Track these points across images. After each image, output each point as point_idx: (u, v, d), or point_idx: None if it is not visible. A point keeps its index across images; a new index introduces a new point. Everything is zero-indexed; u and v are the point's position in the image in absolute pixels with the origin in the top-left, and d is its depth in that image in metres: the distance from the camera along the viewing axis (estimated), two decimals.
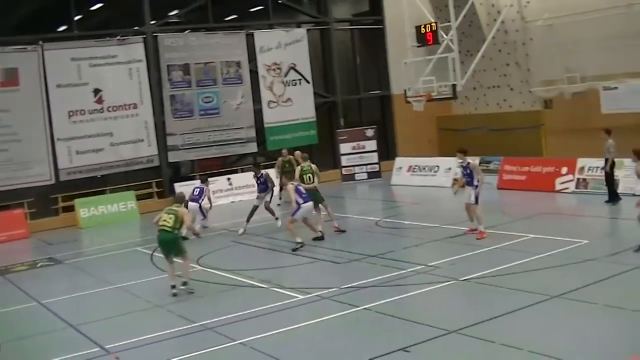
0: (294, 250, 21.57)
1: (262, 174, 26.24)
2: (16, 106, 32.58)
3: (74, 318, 16.69)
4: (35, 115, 32.99)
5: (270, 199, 26.35)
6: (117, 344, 14.36)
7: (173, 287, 17.57)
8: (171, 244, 17.76)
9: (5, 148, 32.43)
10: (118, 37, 35.19)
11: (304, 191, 22.41)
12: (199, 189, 26.46)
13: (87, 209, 32.95)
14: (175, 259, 17.92)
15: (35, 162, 32.95)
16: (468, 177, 21.46)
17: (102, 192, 34.57)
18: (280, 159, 32.18)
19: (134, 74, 35.04)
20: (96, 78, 34.28)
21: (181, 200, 19.39)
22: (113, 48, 34.93)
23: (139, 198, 34.27)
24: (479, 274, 16.89)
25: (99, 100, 34.28)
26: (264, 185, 26.02)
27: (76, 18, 35.45)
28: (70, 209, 33.36)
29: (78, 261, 24.63)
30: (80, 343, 14.81)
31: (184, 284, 17.81)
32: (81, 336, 15.26)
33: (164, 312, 16.66)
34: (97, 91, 34.24)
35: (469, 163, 21.41)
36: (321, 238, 22.68)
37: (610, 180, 25.17)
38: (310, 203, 22.44)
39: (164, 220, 17.63)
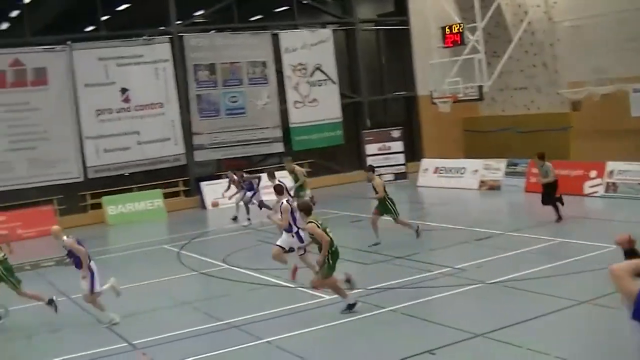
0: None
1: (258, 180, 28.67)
2: (45, 105, 33.08)
3: (102, 314, 16.77)
4: (64, 114, 33.40)
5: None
6: (143, 340, 14.54)
7: None
8: None
9: (34, 146, 32.93)
10: (144, 37, 35.40)
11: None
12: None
13: (114, 207, 33.17)
14: None
15: (64, 160, 33.43)
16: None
17: (130, 190, 34.74)
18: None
19: (160, 74, 35.25)
20: (123, 77, 34.58)
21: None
22: (139, 48, 35.18)
23: (166, 196, 34.40)
24: (506, 277, 16.78)
25: (126, 100, 34.52)
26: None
27: (103, 18, 35.74)
28: (98, 206, 33.60)
29: (105, 258, 24.74)
30: (107, 338, 14.97)
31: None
32: (109, 331, 15.38)
33: (190, 309, 16.75)
34: (124, 90, 34.51)
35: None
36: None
37: None
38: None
39: None
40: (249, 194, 28.50)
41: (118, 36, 35.55)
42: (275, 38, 38.06)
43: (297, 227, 17.74)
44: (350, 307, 15.05)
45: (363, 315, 14.93)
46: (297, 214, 17.08)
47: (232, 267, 20.52)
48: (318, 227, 15.01)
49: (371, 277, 18.17)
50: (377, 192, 21.70)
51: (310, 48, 38.63)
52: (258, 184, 28.83)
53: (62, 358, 14.02)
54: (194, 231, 28.07)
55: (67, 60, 33.63)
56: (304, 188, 26.19)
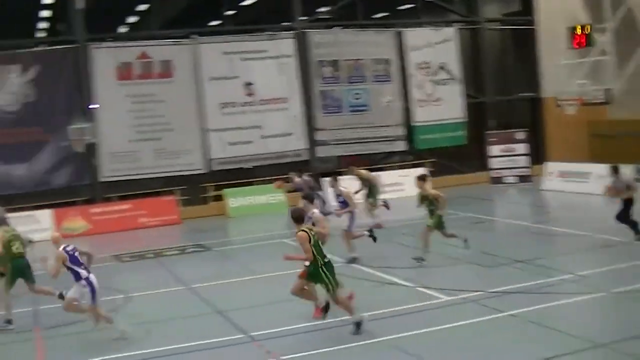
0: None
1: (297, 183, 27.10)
2: (170, 97, 33.77)
3: (221, 304, 17.00)
4: (188, 106, 33.99)
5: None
6: (261, 332, 14.65)
7: None
8: None
9: (159, 137, 33.66)
10: (269, 33, 35.71)
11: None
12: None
13: (235, 199, 33.59)
14: None
15: (188, 151, 34.09)
16: None
17: (251, 184, 35.12)
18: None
19: (284, 69, 35.51)
20: (247, 72, 34.98)
21: None
22: (264, 43, 35.51)
23: (287, 191, 34.57)
24: (632, 287, 16.18)
25: (250, 94, 34.86)
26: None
27: (229, 13, 36.19)
28: (220, 198, 34.08)
29: (226, 249, 25.14)
30: (225, 329, 15.17)
31: None
32: (227, 322, 15.55)
33: (308, 304, 16.75)
34: (248, 84, 34.83)
35: None
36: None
37: None
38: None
39: None
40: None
41: (243, 31, 36.07)
42: (399, 36, 37.79)
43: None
44: (326, 309, 14.66)
45: (482, 319, 14.72)
46: None
47: (353, 264, 20.49)
48: (310, 239, 14.20)
49: (491, 280, 17.93)
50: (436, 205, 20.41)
51: (435, 47, 38.29)
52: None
53: (179, 345, 14.23)
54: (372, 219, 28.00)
55: (193, 53, 34.22)
56: (374, 193, 26.04)
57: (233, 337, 14.51)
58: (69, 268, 14.89)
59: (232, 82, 34.78)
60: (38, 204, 32.15)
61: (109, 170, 33.36)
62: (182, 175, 34.28)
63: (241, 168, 35.28)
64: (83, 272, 14.73)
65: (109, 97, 33.30)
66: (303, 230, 14.22)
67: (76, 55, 33.20)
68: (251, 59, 35.22)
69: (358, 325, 14.09)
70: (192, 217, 32.60)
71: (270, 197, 33.89)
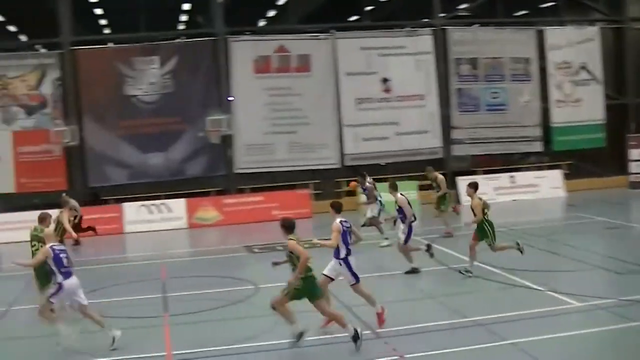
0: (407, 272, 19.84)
1: (366, 186, 25.69)
2: (307, 91, 34.12)
3: (348, 299, 16.88)
4: (325, 101, 34.22)
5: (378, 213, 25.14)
6: (387, 330, 14.50)
7: None
8: None
9: (295, 130, 33.98)
10: (407, 29, 35.47)
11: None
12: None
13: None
14: None
15: (323, 146, 34.37)
16: None
17: (385, 180, 34.89)
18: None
19: (422, 66, 35.29)
20: (384, 68, 34.95)
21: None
22: (402, 39, 35.39)
23: (420, 188, 34.31)
24: None
25: (387, 90, 34.78)
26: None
27: (367, 8, 36.12)
28: (353, 193, 34.02)
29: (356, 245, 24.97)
30: (352, 324, 14.94)
31: None
32: (353, 317, 15.40)
33: (436, 303, 16.59)
34: (384, 80, 34.76)
35: None
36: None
37: None
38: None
39: None
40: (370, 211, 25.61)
41: (381, 27, 36.03)
42: (540, 34, 37.07)
43: (348, 249, 14.98)
44: (299, 337, 13.78)
45: (612, 327, 14.22)
46: (350, 237, 14.95)
47: (482, 265, 20.10)
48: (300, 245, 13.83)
49: (625, 288, 17.34)
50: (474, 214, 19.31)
51: (576, 46, 37.36)
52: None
53: (308, 339, 14.03)
54: (445, 225, 27.77)
55: (330, 48, 34.37)
56: (446, 199, 25.43)
57: None
58: (50, 267, 14.73)
59: (369, 78, 34.79)
60: (172, 192, 32.80)
61: (244, 162, 33.87)
62: (316, 170, 34.41)
63: (375, 164, 35.16)
64: (59, 277, 14.50)
65: (245, 89, 33.83)
66: (291, 239, 14.01)
67: (215, 48, 33.82)
68: (389, 55, 35.18)
69: (355, 339, 13.56)
70: (324, 212, 32.54)
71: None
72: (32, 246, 17.04)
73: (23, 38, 42.14)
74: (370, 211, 25.26)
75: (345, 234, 14.82)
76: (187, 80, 33.71)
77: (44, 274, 15.71)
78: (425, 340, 13.90)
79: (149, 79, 33.57)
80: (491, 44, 36.34)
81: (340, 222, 14.83)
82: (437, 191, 26.17)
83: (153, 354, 13.97)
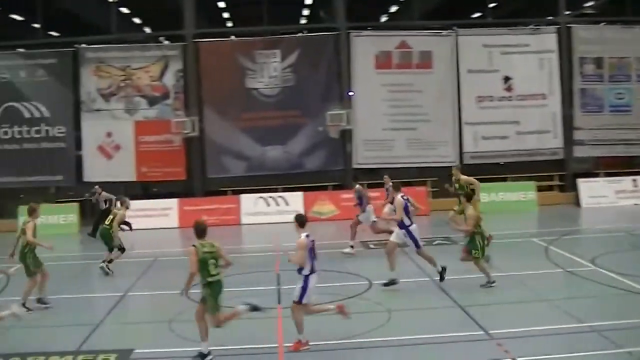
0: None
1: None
2: (428, 88, 34.00)
3: (462, 298, 16.77)
4: (445, 98, 34.08)
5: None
6: (500, 331, 14.29)
7: None
8: None
9: (414, 127, 33.93)
10: (531, 27, 34.97)
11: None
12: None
13: (486, 194, 33.02)
14: None
15: (442, 143, 34.24)
16: None
17: (503, 180, 34.56)
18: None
19: (545, 65, 34.69)
20: (506, 66, 34.49)
21: None
22: (525, 37, 34.88)
23: (538, 189, 33.79)
24: None
25: (508, 89, 34.37)
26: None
27: (491, 5, 35.74)
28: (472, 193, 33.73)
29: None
30: (464, 324, 15.01)
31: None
32: (467, 317, 15.36)
33: (551, 306, 16.26)
34: (506, 79, 34.34)
35: None
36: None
37: None
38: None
39: None
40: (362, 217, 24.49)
41: (504, 24, 35.55)
42: None
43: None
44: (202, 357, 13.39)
45: None
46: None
47: (601, 270, 19.65)
48: (197, 254, 13.36)
49: None
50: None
51: None
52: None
53: (415, 336, 14.16)
54: (565, 228, 27.30)
55: (452, 45, 34.09)
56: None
57: (471, 333, 14.31)
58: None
59: (491, 76, 34.42)
60: (290, 185, 33.08)
61: (362, 157, 33.98)
62: (434, 167, 34.23)
63: (494, 163, 34.78)
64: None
65: (366, 85, 33.89)
66: (193, 246, 13.52)
67: (336, 43, 33.97)
68: (511, 52, 34.66)
69: (202, 356, 13.33)
70: (441, 209, 32.41)
71: (522, 195, 33.22)
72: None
73: (147, 30, 42.99)
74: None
75: (312, 250, 14.11)
76: (308, 74, 33.98)
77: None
78: (539, 344, 13.65)
79: (270, 72, 33.95)
80: (617, 43, 35.37)
81: (306, 236, 14.09)
82: (455, 191, 25.10)
83: (265, 345, 14.11)
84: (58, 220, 31.00)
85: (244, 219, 31.97)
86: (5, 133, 34.26)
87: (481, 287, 17.97)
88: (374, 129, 34.02)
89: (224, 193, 34.47)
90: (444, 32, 34.37)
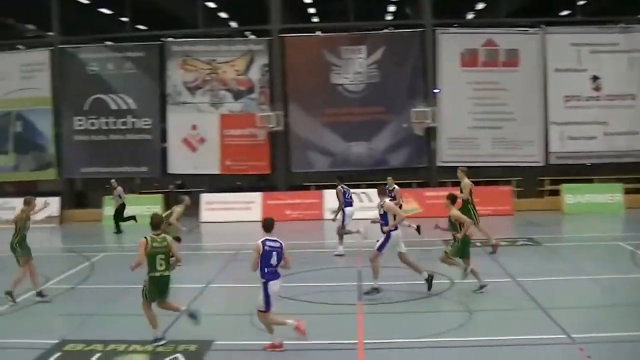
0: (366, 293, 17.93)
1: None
2: (514, 86, 33.62)
3: (544, 301, 16.54)
4: (531, 97, 33.66)
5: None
6: (583, 336, 13.91)
7: None
8: None
9: (500, 125, 33.62)
10: (621, 25, 34.33)
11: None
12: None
13: (573, 196, 32.71)
14: None
15: (528, 143, 33.83)
16: None
17: (590, 181, 34.07)
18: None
19: (635, 64, 33.97)
20: (595, 65, 33.90)
21: None
22: (615, 36, 34.20)
23: (626, 192, 33.19)
24: None
25: (597, 88, 33.77)
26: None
27: (580, 3, 35.23)
28: (556, 192, 33.36)
29: (556, 246, 24.53)
30: (546, 326, 14.68)
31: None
32: (549, 320, 15.08)
33: (629, 311, 15.87)
34: (595, 78, 33.76)
35: None
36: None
37: None
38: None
39: None
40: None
41: (594, 22, 34.98)
42: None
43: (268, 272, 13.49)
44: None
45: None
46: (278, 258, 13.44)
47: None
48: (146, 246, 13.48)
49: None
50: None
51: None
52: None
53: (495, 337, 13.97)
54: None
55: (540, 43, 33.64)
56: (469, 210, 23.60)
57: (552, 336, 14.00)
58: None
59: (579, 75, 33.86)
60: (374, 182, 33.00)
61: (447, 155, 33.83)
62: (519, 167, 33.89)
63: (581, 164, 34.27)
64: None
65: (451, 82, 33.78)
66: (144, 237, 13.74)
67: (422, 40, 33.87)
68: (600, 51, 34.02)
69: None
70: (525, 210, 32.15)
71: (608, 196, 32.70)
72: None
73: (233, 24, 43.33)
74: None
75: (270, 253, 13.38)
76: (393, 70, 33.92)
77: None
78: (621, 350, 13.40)
79: (355, 68, 34.02)
80: None
81: (263, 241, 13.43)
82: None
83: (344, 341, 14.06)
84: (142, 210, 31.44)
85: (327, 215, 32.06)
86: (93, 124, 34.98)
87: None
88: (459, 127, 33.82)
89: (307, 188, 34.60)
90: (531, 30, 33.95)
